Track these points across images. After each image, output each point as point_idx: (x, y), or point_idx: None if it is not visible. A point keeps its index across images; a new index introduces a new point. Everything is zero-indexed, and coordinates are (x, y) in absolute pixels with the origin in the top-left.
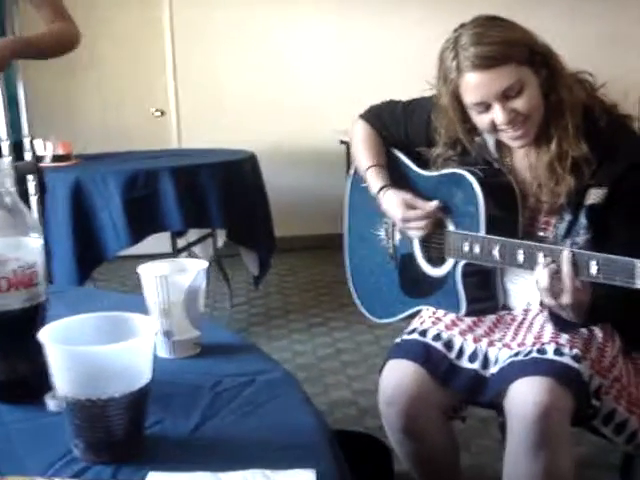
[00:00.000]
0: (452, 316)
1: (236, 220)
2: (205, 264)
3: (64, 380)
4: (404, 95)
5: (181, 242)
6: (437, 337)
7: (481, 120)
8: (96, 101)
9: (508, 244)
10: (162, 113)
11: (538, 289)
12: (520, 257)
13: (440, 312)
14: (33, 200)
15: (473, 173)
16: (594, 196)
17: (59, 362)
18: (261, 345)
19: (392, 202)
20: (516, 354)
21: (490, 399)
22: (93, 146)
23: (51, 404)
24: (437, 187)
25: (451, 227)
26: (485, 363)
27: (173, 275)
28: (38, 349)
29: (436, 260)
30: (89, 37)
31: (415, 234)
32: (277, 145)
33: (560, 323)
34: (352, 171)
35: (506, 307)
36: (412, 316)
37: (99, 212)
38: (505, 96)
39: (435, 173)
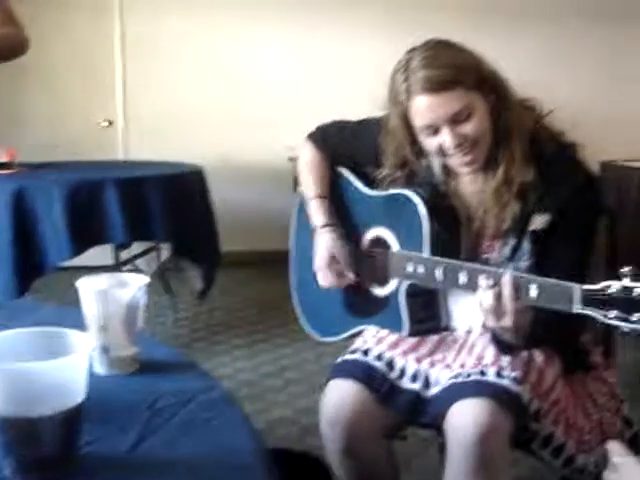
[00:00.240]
0: (395, 336)
1: (181, 234)
2: (146, 279)
3: None
4: (355, 113)
5: (124, 255)
6: (379, 357)
7: (430, 143)
8: (43, 109)
9: (451, 266)
10: (110, 123)
11: (480, 311)
12: (462, 279)
13: (383, 332)
14: None
15: (419, 194)
16: (538, 222)
17: None
18: (203, 361)
19: (322, 246)
20: (457, 375)
21: (431, 420)
22: (39, 155)
23: None
24: (383, 207)
25: (395, 247)
26: (426, 384)
27: (112, 290)
28: None
29: (380, 280)
30: (38, 45)
31: (320, 283)
32: (225, 159)
33: (501, 345)
34: (300, 190)
35: (449, 328)
36: (355, 335)
37: (40, 222)
38: (454, 120)
39: (382, 193)
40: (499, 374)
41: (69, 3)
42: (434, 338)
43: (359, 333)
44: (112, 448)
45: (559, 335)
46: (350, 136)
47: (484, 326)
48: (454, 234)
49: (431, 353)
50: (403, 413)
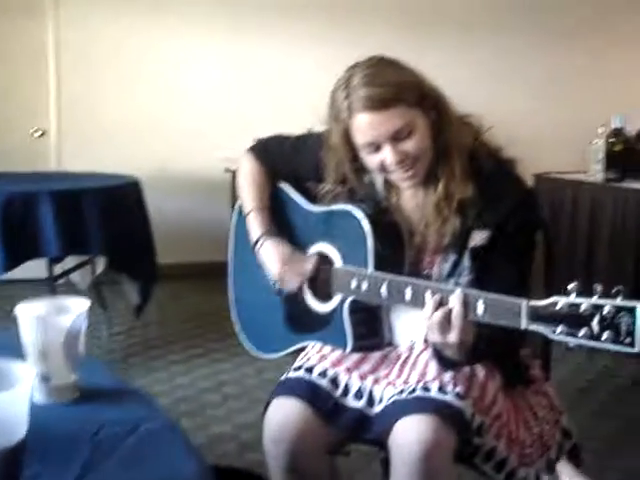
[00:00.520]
0: (338, 353)
1: (117, 247)
2: (86, 304)
3: None
4: (291, 125)
5: (59, 267)
6: (323, 374)
7: (371, 160)
8: None
9: (396, 281)
10: (43, 133)
11: (426, 327)
12: (408, 295)
13: (326, 348)
14: None
15: (362, 210)
16: (478, 238)
17: None
18: (139, 377)
19: (269, 256)
20: (400, 392)
21: (375, 437)
22: None
23: None
24: (325, 223)
25: (338, 263)
26: (370, 401)
27: (52, 316)
28: None
29: (323, 296)
30: None
31: (289, 289)
32: (161, 170)
33: (444, 361)
34: (239, 203)
35: (391, 343)
36: (297, 352)
37: None
38: (395, 138)
39: (324, 209)
40: (442, 389)
41: (1, 9)
42: (377, 354)
43: (301, 349)
44: None
45: (500, 350)
46: (291, 150)
47: (426, 341)
48: (397, 249)
49: (375, 369)
50: (347, 431)
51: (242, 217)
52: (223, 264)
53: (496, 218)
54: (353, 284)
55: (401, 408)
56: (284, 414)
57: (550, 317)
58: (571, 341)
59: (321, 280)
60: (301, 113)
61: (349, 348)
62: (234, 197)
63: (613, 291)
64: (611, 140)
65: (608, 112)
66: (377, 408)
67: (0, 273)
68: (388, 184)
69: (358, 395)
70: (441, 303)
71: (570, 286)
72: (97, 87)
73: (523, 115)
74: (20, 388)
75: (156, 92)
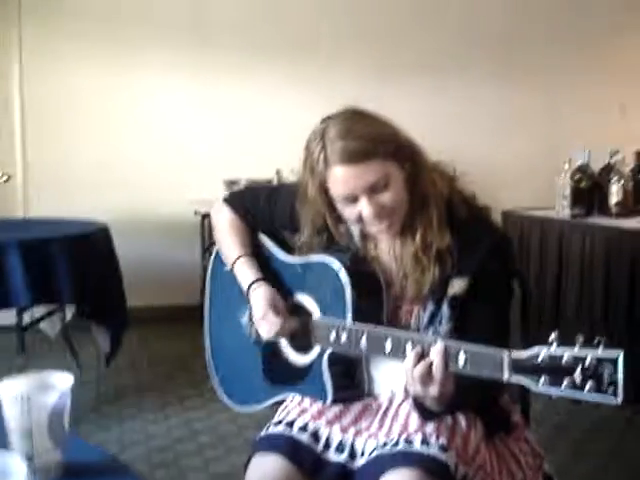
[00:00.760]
0: (318, 405)
1: (87, 295)
2: (70, 380)
3: None
4: (260, 168)
5: (27, 314)
6: (304, 428)
7: (348, 212)
8: None
9: (375, 333)
10: (8, 178)
11: (407, 379)
12: (388, 346)
13: (306, 401)
14: None
15: (340, 261)
16: (456, 286)
17: None
18: (112, 426)
19: (259, 297)
20: (384, 444)
21: None
22: None
23: None
24: (303, 274)
25: (317, 314)
26: (352, 454)
27: (36, 395)
28: None
29: (302, 347)
30: None
31: (263, 335)
32: (130, 214)
33: (424, 412)
34: (215, 251)
35: (371, 394)
36: (276, 404)
37: None
38: (372, 190)
39: (301, 260)
40: (425, 442)
41: None
42: (357, 405)
43: (280, 402)
44: None
45: (481, 398)
46: (266, 202)
47: (406, 391)
48: (376, 300)
49: (356, 421)
50: None
51: (221, 266)
52: (193, 307)
53: (474, 266)
54: (332, 336)
55: (385, 462)
56: (265, 471)
57: (532, 368)
58: (554, 392)
59: (300, 332)
60: (269, 156)
61: (329, 400)
62: (204, 239)
63: (595, 341)
64: (577, 176)
65: (572, 148)
66: (360, 461)
67: None
68: (365, 234)
69: (340, 449)
70: (422, 355)
71: (551, 336)
72: (64, 132)
73: (488, 152)
74: None
75: (123, 136)
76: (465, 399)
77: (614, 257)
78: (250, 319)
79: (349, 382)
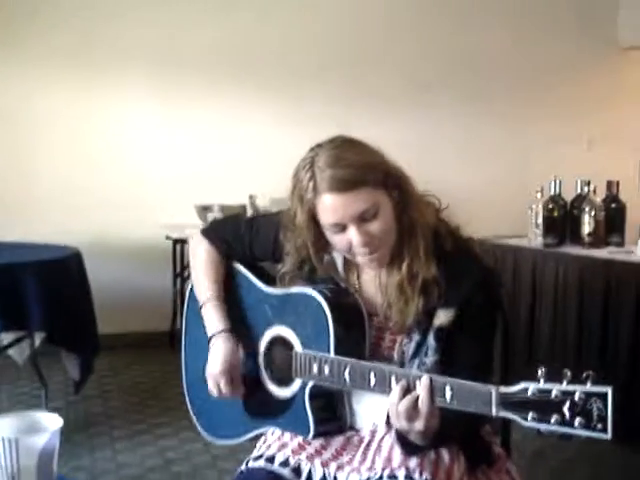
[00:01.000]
0: (299, 439)
1: (57, 322)
2: (60, 421)
3: None
4: (230, 192)
5: None
6: (285, 463)
7: (337, 240)
8: None
9: (359, 366)
10: None
11: (392, 414)
12: (372, 380)
13: (286, 435)
14: None
15: (322, 293)
16: (442, 317)
17: None
18: (82, 456)
19: (218, 353)
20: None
21: None
22: None
23: None
24: (284, 305)
25: (298, 347)
26: None
27: (24, 437)
28: None
29: (282, 380)
30: None
31: (210, 390)
32: (101, 238)
33: (408, 446)
34: (191, 282)
35: (353, 427)
36: (255, 438)
37: None
38: (361, 219)
39: (282, 291)
40: (409, 477)
41: None
42: (339, 439)
43: (259, 435)
44: None
45: (464, 431)
46: (246, 231)
47: (389, 424)
48: (359, 332)
49: (337, 455)
50: None
51: (195, 298)
52: (164, 333)
53: (460, 297)
54: (315, 369)
55: None
56: None
57: (521, 404)
58: (543, 428)
59: (280, 364)
60: (242, 181)
61: (311, 435)
62: (175, 265)
63: (583, 376)
64: (549, 206)
65: (544, 179)
66: None
67: None
68: (348, 264)
69: None
70: (408, 389)
71: (539, 372)
72: (31, 155)
73: (459, 182)
74: None
75: (94, 160)
76: (450, 432)
77: (587, 287)
78: None
79: (331, 416)
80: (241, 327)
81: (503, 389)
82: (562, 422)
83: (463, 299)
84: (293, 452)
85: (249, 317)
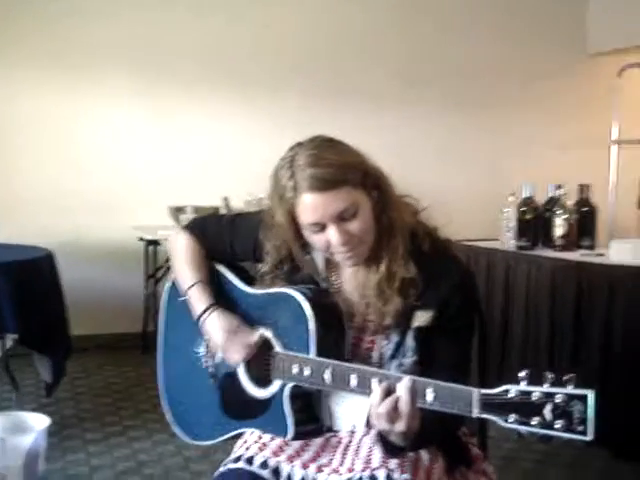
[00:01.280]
0: (278, 441)
1: (30, 324)
2: (46, 421)
3: None
4: (205, 194)
5: None
6: (264, 465)
7: (316, 239)
8: None
9: (340, 367)
10: None
11: (373, 416)
12: (353, 381)
13: (266, 436)
14: None
15: (302, 293)
16: (421, 318)
17: None
18: (55, 460)
19: (215, 325)
20: None
21: None
22: None
23: None
24: (265, 306)
25: (278, 347)
26: None
27: (11, 437)
28: None
29: (261, 381)
30: None
31: (233, 361)
32: (73, 239)
33: (389, 447)
34: (170, 280)
35: (332, 429)
36: (232, 438)
37: None
38: (340, 218)
39: (262, 291)
40: (389, 477)
41: None
42: (318, 440)
43: (237, 436)
44: None
45: (444, 431)
46: (227, 229)
47: (368, 425)
48: (339, 332)
49: (317, 457)
50: None
51: (174, 295)
52: (136, 335)
53: (438, 299)
54: (295, 369)
55: None
56: None
57: (502, 405)
58: (524, 429)
59: (260, 364)
60: (216, 183)
61: (290, 435)
62: (147, 266)
63: (564, 378)
64: (522, 209)
65: (516, 182)
66: None
67: None
68: (329, 263)
69: None
70: (389, 391)
71: (521, 374)
72: (5, 157)
73: (433, 184)
74: None
75: (66, 161)
76: (430, 433)
77: (559, 289)
78: (207, 349)
79: (310, 417)
80: None
81: (484, 391)
82: (543, 424)
83: (442, 300)
84: (272, 453)
85: None
